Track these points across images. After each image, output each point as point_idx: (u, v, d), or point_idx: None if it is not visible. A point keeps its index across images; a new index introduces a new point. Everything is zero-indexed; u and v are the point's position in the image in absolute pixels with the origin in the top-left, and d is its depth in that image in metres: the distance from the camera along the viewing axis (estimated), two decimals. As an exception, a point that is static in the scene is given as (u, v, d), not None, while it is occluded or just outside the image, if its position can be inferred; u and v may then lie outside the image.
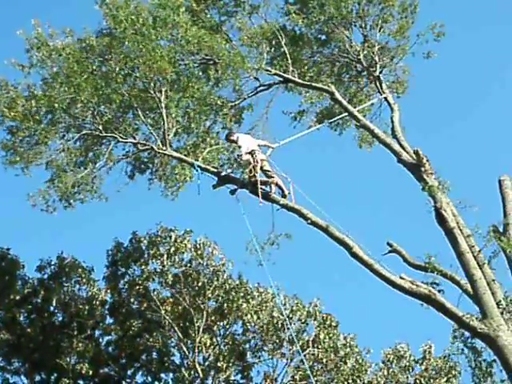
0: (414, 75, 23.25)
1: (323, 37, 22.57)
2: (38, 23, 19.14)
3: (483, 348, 22.45)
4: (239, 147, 17.52)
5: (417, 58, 22.52)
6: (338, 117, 21.75)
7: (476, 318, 15.62)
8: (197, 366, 25.74)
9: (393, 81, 22.86)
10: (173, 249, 26.99)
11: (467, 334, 21.66)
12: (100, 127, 19.07)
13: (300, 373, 25.89)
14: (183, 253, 27.21)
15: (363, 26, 22.13)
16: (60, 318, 28.12)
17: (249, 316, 26.31)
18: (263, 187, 16.93)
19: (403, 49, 22.30)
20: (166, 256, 26.93)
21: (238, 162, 18.04)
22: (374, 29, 22.09)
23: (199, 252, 27.02)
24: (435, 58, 22.53)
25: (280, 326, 26.07)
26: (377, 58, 21.86)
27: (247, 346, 27.03)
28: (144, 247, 27.61)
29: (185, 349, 26.29)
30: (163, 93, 18.72)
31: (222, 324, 27.00)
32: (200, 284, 26.54)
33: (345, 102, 20.75)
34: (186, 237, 27.32)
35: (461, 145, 47.43)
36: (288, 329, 25.52)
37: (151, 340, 27.00)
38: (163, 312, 26.31)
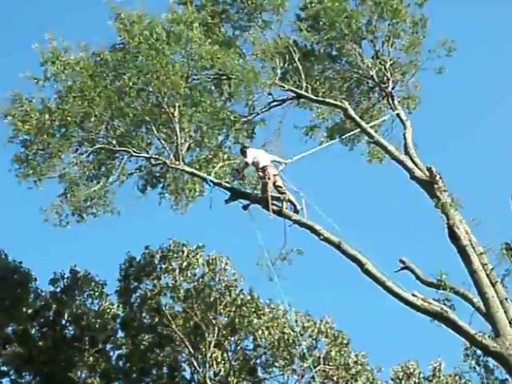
0: (425, 90, 23.29)
1: (335, 52, 22.61)
2: (52, 37, 19.24)
3: (495, 366, 22.41)
4: (245, 157, 17.64)
5: (427, 73, 22.55)
6: (351, 133, 21.70)
7: (488, 337, 15.50)
8: (207, 381, 25.67)
9: (404, 96, 22.83)
10: (185, 264, 27.01)
11: (479, 352, 21.64)
12: (113, 141, 19.13)
13: (311, 390, 25.84)
14: (195, 268, 27.22)
15: (374, 41, 22.15)
16: (72, 332, 28.16)
17: (260, 332, 26.27)
18: (275, 202, 16.93)
19: (415, 64, 22.30)
20: (178, 271, 26.95)
21: (236, 170, 18.19)
22: (386, 44, 22.10)
23: (211, 267, 27.03)
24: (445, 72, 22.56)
25: (291, 342, 25.99)
26: (389, 74, 21.85)
27: (258, 361, 26.98)
28: (156, 262, 27.62)
29: (196, 364, 26.24)
30: (176, 107, 18.77)
31: (233, 339, 26.96)
32: (212, 299, 26.52)
33: (358, 118, 20.74)
34: (198, 252, 27.35)
35: (473, 161, 47.19)
36: (299, 345, 25.44)
37: (162, 355, 26.99)
38: (174, 327, 26.29)
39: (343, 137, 22.09)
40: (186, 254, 27.19)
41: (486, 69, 47.97)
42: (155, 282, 27.36)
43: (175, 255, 27.38)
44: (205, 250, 27.52)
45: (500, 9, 42.84)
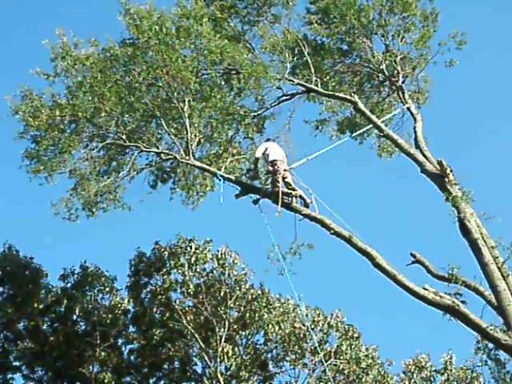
0: (436, 84, 23.25)
1: (345, 46, 22.61)
2: (62, 32, 19.28)
3: (507, 360, 22.36)
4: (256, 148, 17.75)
5: (438, 67, 22.50)
6: (363, 129, 21.66)
7: (500, 330, 15.47)
8: (219, 375, 25.69)
9: (414, 90, 22.78)
10: (193, 259, 27.00)
11: (491, 345, 21.60)
12: (123, 137, 19.14)
13: (322, 384, 25.85)
14: (204, 263, 27.22)
15: (385, 35, 22.10)
16: (83, 327, 28.22)
17: (271, 326, 26.27)
18: (285, 197, 16.90)
19: (425, 58, 22.24)
20: (187, 266, 26.95)
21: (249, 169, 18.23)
22: (396, 38, 22.05)
23: (221, 262, 27.04)
24: (456, 67, 22.52)
25: (302, 336, 26.01)
26: (399, 68, 21.82)
27: (269, 355, 27.00)
28: (166, 257, 27.63)
29: (207, 358, 26.26)
30: (186, 102, 18.76)
31: (243, 334, 26.97)
32: (222, 294, 26.54)
33: (368, 112, 20.68)
34: (207, 246, 27.34)
35: (484, 154, 47.17)
36: (310, 339, 25.46)
37: (173, 349, 27.01)
38: (185, 321, 26.31)
39: (355, 134, 22.03)
40: (193, 249, 27.20)
41: (496, 63, 47.86)
42: (165, 277, 27.38)
43: (183, 251, 27.37)
44: (213, 244, 27.54)
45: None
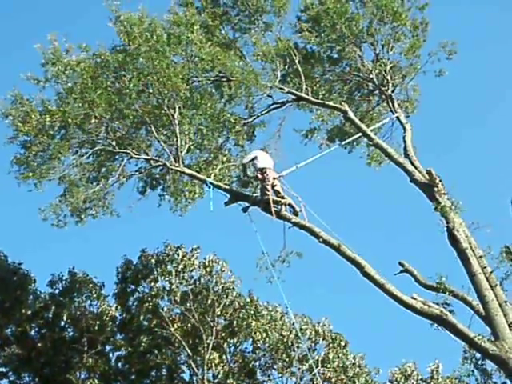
0: (425, 93, 23.35)
1: (335, 55, 22.67)
2: (54, 38, 19.23)
3: (493, 370, 22.42)
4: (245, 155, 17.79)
5: (427, 75, 22.58)
6: (352, 138, 21.69)
7: (488, 340, 15.51)
8: (206, 383, 25.63)
9: (403, 100, 22.87)
10: (181, 266, 26.95)
11: (478, 355, 21.65)
12: (113, 143, 19.10)
13: (309, 392, 25.83)
14: (192, 270, 27.17)
15: (375, 44, 22.19)
16: (70, 333, 28.12)
17: (258, 334, 26.23)
18: (275, 205, 16.91)
19: (415, 67, 22.35)
20: (174, 274, 26.89)
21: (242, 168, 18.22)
22: (386, 47, 22.15)
23: (208, 269, 27.00)
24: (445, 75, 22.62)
25: (290, 344, 25.98)
26: (389, 77, 21.90)
27: (257, 363, 26.94)
28: (152, 265, 27.55)
29: (194, 366, 26.20)
30: (176, 109, 18.75)
31: (231, 342, 26.93)
32: (209, 301, 26.49)
33: (358, 121, 20.74)
34: (194, 254, 27.30)
35: (472, 164, 47.25)
36: (298, 347, 25.45)
37: (161, 356, 26.92)
38: (172, 329, 26.24)
39: (345, 142, 22.07)
40: (181, 256, 27.14)
41: (484, 71, 48.03)
42: (152, 284, 27.31)
43: (170, 258, 27.31)
44: (200, 251, 27.50)
45: (495, 11, 43.04)
